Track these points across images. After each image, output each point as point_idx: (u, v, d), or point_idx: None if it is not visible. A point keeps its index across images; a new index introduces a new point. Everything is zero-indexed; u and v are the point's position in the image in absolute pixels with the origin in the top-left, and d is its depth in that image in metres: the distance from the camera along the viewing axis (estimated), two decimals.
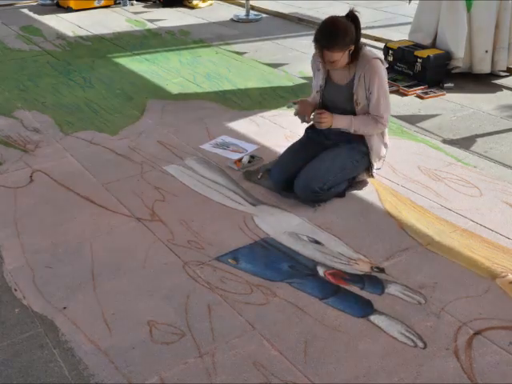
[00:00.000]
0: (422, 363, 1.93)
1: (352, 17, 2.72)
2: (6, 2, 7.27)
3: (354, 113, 2.85)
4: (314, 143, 2.98)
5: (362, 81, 2.77)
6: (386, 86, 2.84)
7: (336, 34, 2.65)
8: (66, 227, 2.70)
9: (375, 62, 2.78)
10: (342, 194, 2.90)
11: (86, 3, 6.96)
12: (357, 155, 2.88)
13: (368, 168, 2.97)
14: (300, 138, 3.09)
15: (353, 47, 2.71)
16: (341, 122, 2.83)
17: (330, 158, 2.85)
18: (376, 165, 2.97)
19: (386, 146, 2.98)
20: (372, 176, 3.02)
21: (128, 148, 3.46)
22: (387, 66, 2.88)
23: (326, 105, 2.93)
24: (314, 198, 2.82)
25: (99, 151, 3.43)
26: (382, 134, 2.93)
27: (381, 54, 4.75)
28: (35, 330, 2.09)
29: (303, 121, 2.95)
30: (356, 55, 2.76)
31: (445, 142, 3.52)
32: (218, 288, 2.28)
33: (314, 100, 2.98)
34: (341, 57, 2.69)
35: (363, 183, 3.02)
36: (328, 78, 2.91)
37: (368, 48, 2.86)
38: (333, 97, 2.90)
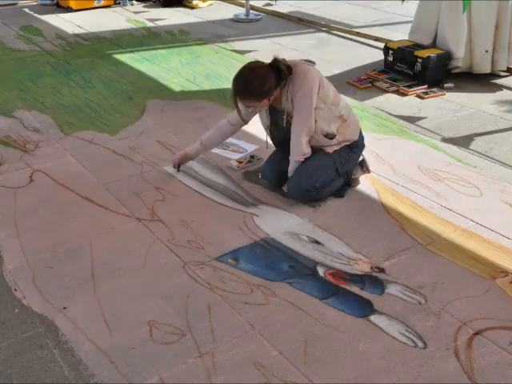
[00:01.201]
0: (421, 363, 1.93)
1: (273, 65, 2.62)
2: (6, 2, 7.27)
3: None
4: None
5: (289, 94, 2.69)
6: (311, 94, 2.67)
7: (250, 87, 2.58)
8: (66, 227, 2.70)
9: (304, 74, 2.66)
10: (341, 194, 2.90)
11: (85, 3, 6.96)
12: (345, 150, 2.87)
13: (361, 163, 2.97)
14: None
15: (273, 95, 2.64)
16: (293, 167, 2.83)
17: (318, 156, 2.84)
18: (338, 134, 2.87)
19: (353, 128, 2.91)
20: (368, 171, 3.01)
21: (128, 148, 3.46)
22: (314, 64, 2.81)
23: (275, 133, 2.93)
24: (307, 198, 2.82)
25: (99, 151, 3.44)
26: (342, 121, 2.83)
27: (380, 54, 4.76)
28: (35, 330, 2.09)
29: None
30: (285, 84, 2.66)
31: (445, 142, 3.53)
32: (218, 288, 2.28)
33: (222, 135, 3.05)
34: (258, 104, 2.66)
35: (363, 183, 3.02)
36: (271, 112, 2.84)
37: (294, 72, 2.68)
38: (279, 128, 2.87)
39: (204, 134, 3.10)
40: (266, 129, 2.95)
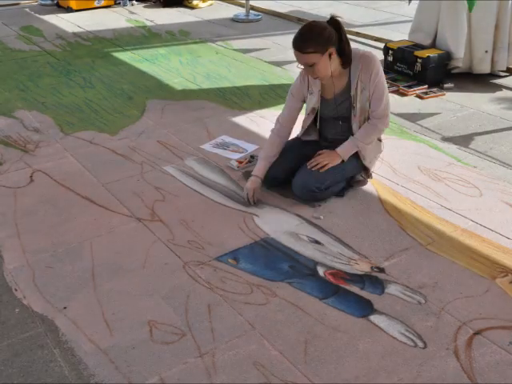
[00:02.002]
0: (422, 363, 1.93)
1: (333, 22, 2.65)
2: (6, 2, 7.27)
3: (349, 118, 2.82)
4: (310, 142, 2.98)
5: (359, 82, 2.73)
6: (384, 79, 2.80)
7: (308, 35, 2.58)
8: (66, 227, 2.70)
9: (370, 57, 2.73)
10: (341, 194, 2.90)
11: (86, 3, 6.96)
12: (354, 156, 2.88)
13: (366, 168, 2.98)
14: (296, 136, 3.08)
15: (333, 50, 2.62)
16: (348, 151, 2.82)
17: None
18: (371, 168, 2.97)
19: (379, 150, 2.99)
20: (371, 177, 3.02)
21: (128, 148, 3.46)
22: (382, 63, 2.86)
23: (321, 122, 2.91)
24: (310, 198, 2.82)
25: (99, 151, 3.44)
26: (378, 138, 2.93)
27: (380, 54, 4.76)
28: (35, 330, 2.09)
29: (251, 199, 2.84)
30: (346, 60, 2.70)
31: (445, 141, 3.53)
32: (218, 288, 2.28)
33: (279, 145, 2.89)
34: (319, 60, 2.59)
35: (363, 183, 3.02)
36: (322, 96, 2.84)
37: (356, 49, 2.79)
38: (329, 112, 2.87)
39: (261, 151, 2.96)
40: (309, 114, 2.89)
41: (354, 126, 2.84)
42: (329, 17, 2.71)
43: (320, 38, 2.58)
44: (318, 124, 2.93)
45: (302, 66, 2.68)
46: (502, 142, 3.50)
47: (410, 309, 2.16)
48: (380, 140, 2.98)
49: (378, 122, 2.82)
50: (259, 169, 2.87)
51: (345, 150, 2.83)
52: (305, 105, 2.94)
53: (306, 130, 2.97)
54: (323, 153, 2.84)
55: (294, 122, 2.94)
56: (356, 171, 2.94)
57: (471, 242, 2.55)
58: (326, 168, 2.79)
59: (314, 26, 2.64)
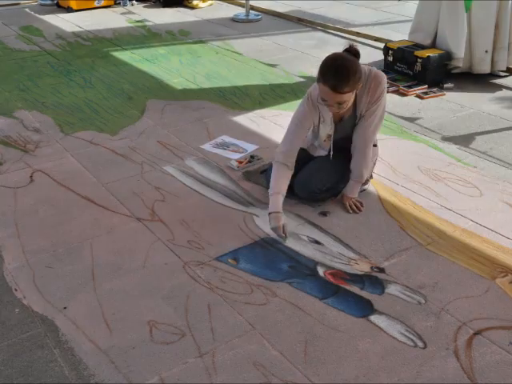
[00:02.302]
0: (422, 363, 1.93)
1: (354, 52, 2.51)
2: (6, 2, 7.27)
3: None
4: None
5: (367, 101, 2.65)
6: (385, 102, 2.72)
7: (346, 75, 2.39)
8: (66, 227, 2.70)
9: (380, 79, 2.62)
10: (335, 194, 2.90)
11: (86, 3, 6.96)
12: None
13: None
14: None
15: (361, 85, 2.52)
16: (356, 189, 2.83)
17: (334, 161, 2.83)
18: (370, 172, 2.96)
19: (375, 154, 2.97)
20: (371, 177, 3.02)
21: (128, 148, 3.46)
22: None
23: (335, 145, 2.81)
24: (312, 198, 2.83)
25: (99, 151, 3.44)
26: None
27: (380, 54, 4.76)
28: (35, 330, 2.09)
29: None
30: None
31: (445, 142, 3.53)
32: (218, 288, 2.28)
33: (287, 177, 2.69)
34: (350, 98, 2.49)
35: (364, 184, 3.01)
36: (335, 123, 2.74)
37: (367, 66, 2.67)
38: (341, 135, 2.78)
39: (270, 187, 2.70)
40: (325, 141, 2.80)
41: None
42: (347, 45, 2.57)
43: (356, 77, 2.44)
44: (331, 148, 2.83)
45: (325, 101, 2.50)
46: (502, 142, 3.50)
47: (410, 309, 2.16)
48: (375, 145, 2.95)
49: (367, 147, 2.75)
50: (276, 204, 2.62)
51: (352, 191, 2.82)
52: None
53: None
54: (348, 203, 2.81)
55: (297, 151, 2.73)
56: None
57: (471, 242, 2.55)
58: (358, 205, 2.80)
59: (349, 64, 2.43)
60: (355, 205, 2.80)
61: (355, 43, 2.60)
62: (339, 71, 2.41)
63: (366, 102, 2.66)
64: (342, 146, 2.81)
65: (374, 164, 3.00)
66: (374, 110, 2.68)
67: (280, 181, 2.68)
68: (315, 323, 2.10)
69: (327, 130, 2.75)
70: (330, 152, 2.83)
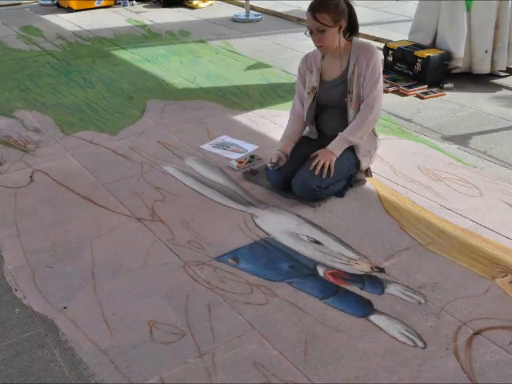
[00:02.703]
0: (422, 363, 1.93)
1: (346, 2, 2.76)
2: (6, 2, 7.27)
3: (346, 106, 2.85)
4: (310, 142, 2.98)
5: (356, 67, 2.80)
6: (381, 69, 2.86)
7: (326, 2, 2.68)
8: (66, 227, 2.70)
9: (370, 46, 2.83)
10: (341, 194, 2.90)
11: (86, 3, 6.96)
12: (351, 153, 2.88)
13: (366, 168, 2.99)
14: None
15: (343, 24, 2.73)
16: (338, 146, 2.83)
17: None
18: (364, 162, 2.94)
19: (374, 146, 2.98)
20: (370, 175, 3.02)
21: (128, 148, 3.46)
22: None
23: (319, 106, 2.93)
24: (311, 197, 2.83)
25: (99, 151, 3.44)
26: (373, 131, 2.95)
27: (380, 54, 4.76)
28: (35, 330, 2.09)
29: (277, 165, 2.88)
30: (349, 42, 2.81)
31: (445, 142, 3.53)
32: (218, 288, 2.28)
33: (298, 121, 2.99)
34: (329, 28, 2.69)
35: (363, 182, 3.02)
36: (321, 77, 2.91)
37: (361, 39, 2.90)
38: (327, 96, 2.90)
39: (285, 130, 3.04)
40: (310, 92, 2.92)
41: (350, 113, 2.86)
42: None
43: (336, 8, 2.69)
44: (315, 113, 2.97)
45: (309, 33, 2.75)
46: (502, 142, 3.50)
47: (409, 309, 2.16)
48: (375, 135, 2.98)
49: (368, 111, 2.83)
50: (287, 145, 2.93)
51: (335, 146, 2.83)
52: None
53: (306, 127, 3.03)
54: (317, 154, 2.82)
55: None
56: (354, 170, 2.93)
57: (471, 242, 2.55)
58: (330, 168, 2.78)
59: None
60: (323, 165, 2.77)
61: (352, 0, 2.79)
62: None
63: (357, 68, 2.79)
64: (334, 125, 2.91)
65: (372, 156, 2.99)
66: (371, 70, 2.80)
67: (294, 125, 3.00)
68: (315, 323, 2.10)
69: (313, 81, 2.90)
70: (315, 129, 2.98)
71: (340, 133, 2.85)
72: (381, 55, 4.75)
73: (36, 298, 2.25)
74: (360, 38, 2.90)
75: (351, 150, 2.88)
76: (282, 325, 2.10)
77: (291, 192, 2.88)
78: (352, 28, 2.82)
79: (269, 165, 2.89)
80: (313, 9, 2.70)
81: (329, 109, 2.92)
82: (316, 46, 2.80)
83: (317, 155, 2.82)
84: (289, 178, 2.87)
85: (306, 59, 2.97)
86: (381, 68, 2.86)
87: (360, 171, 2.99)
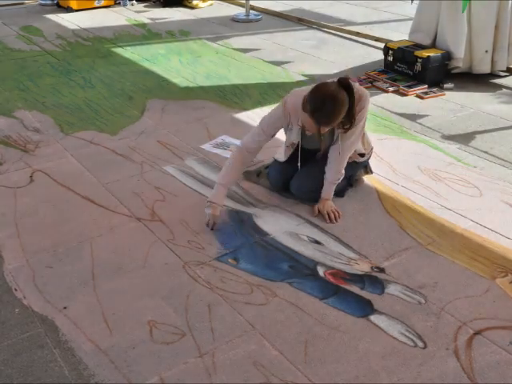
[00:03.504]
0: (422, 363, 1.93)
1: (345, 85, 2.46)
2: (6, 2, 7.27)
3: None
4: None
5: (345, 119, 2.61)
6: (365, 121, 2.70)
7: (333, 113, 2.43)
8: (66, 227, 2.70)
9: (364, 95, 2.61)
10: (341, 194, 2.90)
11: (86, 3, 6.96)
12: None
13: (365, 166, 2.98)
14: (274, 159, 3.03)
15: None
16: (330, 191, 2.78)
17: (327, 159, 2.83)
18: (366, 153, 2.90)
19: (369, 145, 2.94)
20: (371, 172, 3.01)
21: (128, 148, 3.46)
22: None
23: (304, 149, 2.80)
24: (309, 197, 2.82)
25: (99, 151, 3.44)
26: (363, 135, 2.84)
27: (380, 54, 4.76)
28: (35, 330, 2.09)
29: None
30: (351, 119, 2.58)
31: (445, 142, 3.53)
32: (218, 288, 2.28)
33: (241, 164, 2.73)
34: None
35: (363, 183, 3.02)
36: (303, 133, 2.71)
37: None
38: (311, 145, 2.77)
39: (220, 175, 2.74)
40: (288, 146, 2.80)
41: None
42: (342, 76, 2.56)
43: (343, 113, 2.47)
44: (299, 155, 2.80)
45: (304, 127, 2.58)
46: (502, 142, 3.50)
47: (409, 309, 2.16)
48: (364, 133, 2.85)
49: (347, 154, 2.73)
50: (218, 195, 2.67)
51: (327, 193, 2.78)
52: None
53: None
54: (322, 209, 2.75)
55: (259, 149, 2.77)
56: (354, 171, 2.93)
57: (471, 242, 2.55)
58: (337, 211, 2.74)
59: (338, 106, 2.44)
60: (334, 214, 2.73)
61: (349, 77, 2.54)
62: (328, 112, 2.42)
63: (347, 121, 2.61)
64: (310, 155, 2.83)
65: (370, 156, 2.97)
66: (352, 132, 2.64)
67: (232, 172, 2.71)
68: (315, 323, 2.10)
69: (292, 138, 2.74)
70: (298, 162, 2.80)
71: (325, 181, 2.76)
72: (381, 55, 4.78)
73: (36, 298, 2.25)
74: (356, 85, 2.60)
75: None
76: (282, 325, 2.10)
77: (289, 191, 2.88)
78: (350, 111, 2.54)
79: (206, 226, 2.66)
80: (322, 123, 2.45)
81: (312, 150, 2.82)
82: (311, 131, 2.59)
83: (319, 211, 2.76)
84: (289, 179, 2.87)
85: (285, 116, 2.66)
86: (365, 120, 2.69)
87: (364, 172, 2.98)
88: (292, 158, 2.84)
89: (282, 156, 2.90)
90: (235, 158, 2.73)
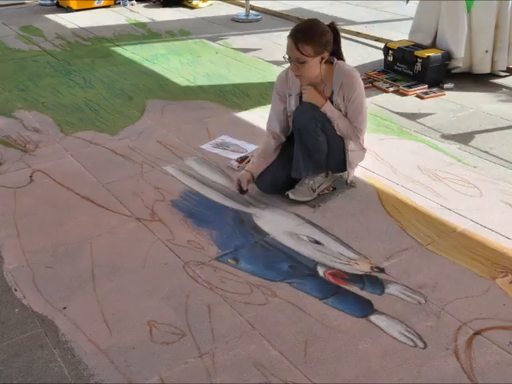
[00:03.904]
0: (422, 363, 1.93)
1: (332, 28, 2.65)
2: (5, 2, 7.27)
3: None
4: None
5: (340, 94, 2.71)
6: (365, 98, 2.79)
7: (310, 33, 2.56)
8: (66, 227, 2.70)
9: (353, 73, 2.72)
10: (333, 186, 2.92)
11: (86, 3, 6.96)
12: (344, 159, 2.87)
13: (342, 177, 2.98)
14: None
15: (326, 56, 2.63)
16: (330, 110, 2.73)
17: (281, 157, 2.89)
18: (350, 174, 2.94)
19: (363, 157, 2.96)
20: (354, 186, 2.99)
21: (128, 148, 3.46)
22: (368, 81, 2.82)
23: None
24: (311, 126, 2.73)
25: (99, 151, 3.43)
26: (361, 144, 2.89)
27: (380, 54, 4.76)
28: (35, 330, 2.09)
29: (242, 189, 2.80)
30: (331, 66, 2.71)
31: (445, 142, 3.53)
32: (218, 288, 2.28)
33: (274, 146, 2.87)
34: (310, 60, 2.58)
35: (363, 183, 3.02)
36: (301, 102, 2.79)
37: (342, 62, 2.78)
38: None
39: (258, 151, 2.92)
40: (291, 115, 2.82)
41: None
42: (329, 22, 2.70)
43: (320, 40, 2.58)
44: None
45: (288, 57, 2.64)
46: (502, 142, 3.50)
47: (410, 309, 2.16)
48: (363, 148, 2.92)
49: (356, 133, 2.80)
50: (256, 168, 2.85)
51: (330, 106, 2.74)
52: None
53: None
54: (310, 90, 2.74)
55: (284, 125, 2.87)
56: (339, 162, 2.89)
57: (471, 242, 2.55)
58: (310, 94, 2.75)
59: (317, 25, 2.61)
60: (308, 93, 2.72)
61: (339, 24, 2.73)
62: (306, 27, 2.60)
63: (341, 96, 2.71)
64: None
65: (356, 166, 3.00)
66: (356, 103, 2.72)
67: (259, 160, 2.86)
68: (315, 323, 2.10)
69: (292, 104, 2.82)
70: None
71: (340, 112, 2.77)
72: (381, 55, 4.78)
73: (36, 298, 2.25)
74: (342, 62, 2.76)
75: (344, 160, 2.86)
76: (282, 325, 2.10)
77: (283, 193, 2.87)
78: (335, 54, 2.72)
79: (235, 187, 2.81)
80: (295, 38, 2.56)
81: None
82: (294, 74, 2.70)
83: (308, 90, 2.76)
84: (279, 184, 2.86)
85: (286, 80, 2.81)
86: (363, 95, 2.77)
87: (346, 183, 2.98)
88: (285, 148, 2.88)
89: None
90: (265, 143, 2.91)
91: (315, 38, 2.57)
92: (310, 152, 2.75)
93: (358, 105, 2.75)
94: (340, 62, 2.76)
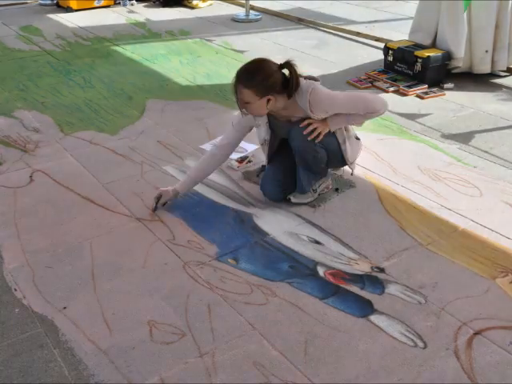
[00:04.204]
0: (421, 363, 1.93)
1: (287, 66, 2.56)
2: (5, 2, 7.27)
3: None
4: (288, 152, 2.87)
5: (316, 111, 2.62)
6: (336, 93, 2.70)
7: (253, 76, 2.49)
8: (66, 227, 2.70)
9: (311, 87, 2.60)
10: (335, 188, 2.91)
11: (86, 3, 6.96)
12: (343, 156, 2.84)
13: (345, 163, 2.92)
14: (262, 165, 3.08)
15: (273, 97, 2.53)
16: (336, 124, 2.70)
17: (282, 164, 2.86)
18: (350, 165, 2.90)
19: (359, 148, 2.93)
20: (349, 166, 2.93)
21: (128, 148, 3.46)
22: (319, 81, 2.72)
23: (273, 147, 2.84)
24: (311, 151, 2.70)
25: (99, 151, 3.43)
26: (355, 137, 2.87)
27: (380, 54, 4.76)
28: (35, 330, 2.09)
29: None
30: (292, 95, 2.60)
31: (445, 141, 3.53)
32: (218, 288, 2.28)
33: (213, 163, 2.83)
34: (254, 101, 2.52)
35: (363, 183, 3.02)
36: (272, 128, 2.75)
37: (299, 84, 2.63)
38: (283, 135, 2.78)
39: (192, 169, 2.88)
40: (262, 144, 2.84)
41: None
42: (285, 60, 2.61)
43: (263, 83, 2.49)
44: (274, 148, 2.85)
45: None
46: (503, 142, 3.50)
47: (409, 309, 2.16)
48: (357, 138, 2.89)
49: (369, 113, 2.72)
50: (181, 183, 2.82)
51: (333, 121, 2.69)
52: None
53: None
54: (314, 121, 2.67)
55: (233, 150, 2.86)
56: (337, 158, 2.86)
57: (471, 242, 2.55)
58: (321, 136, 2.65)
59: (263, 68, 2.53)
60: (315, 130, 2.63)
61: (294, 61, 2.61)
62: (249, 70, 2.54)
63: (318, 111, 2.62)
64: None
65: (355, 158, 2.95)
66: (339, 109, 2.65)
67: (203, 170, 2.84)
68: (315, 323, 2.10)
69: (263, 134, 2.79)
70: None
71: (345, 115, 2.70)
72: (381, 55, 4.78)
73: (36, 298, 2.25)
74: (304, 80, 2.64)
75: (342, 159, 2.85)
76: (282, 325, 2.10)
77: (289, 191, 2.86)
78: (291, 87, 2.57)
79: (154, 201, 2.77)
80: (237, 80, 2.51)
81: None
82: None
83: (312, 121, 2.67)
84: (283, 187, 2.85)
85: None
86: (330, 92, 2.67)
87: (351, 174, 2.97)
88: (275, 156, 2.87)
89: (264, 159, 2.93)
90: (207, 154, 2.89)
91: (254, 81, 2.49)
92: (312, 167, 2.77)
93: (340, 105, 2.65)
94: (301, 83, 2.63)
